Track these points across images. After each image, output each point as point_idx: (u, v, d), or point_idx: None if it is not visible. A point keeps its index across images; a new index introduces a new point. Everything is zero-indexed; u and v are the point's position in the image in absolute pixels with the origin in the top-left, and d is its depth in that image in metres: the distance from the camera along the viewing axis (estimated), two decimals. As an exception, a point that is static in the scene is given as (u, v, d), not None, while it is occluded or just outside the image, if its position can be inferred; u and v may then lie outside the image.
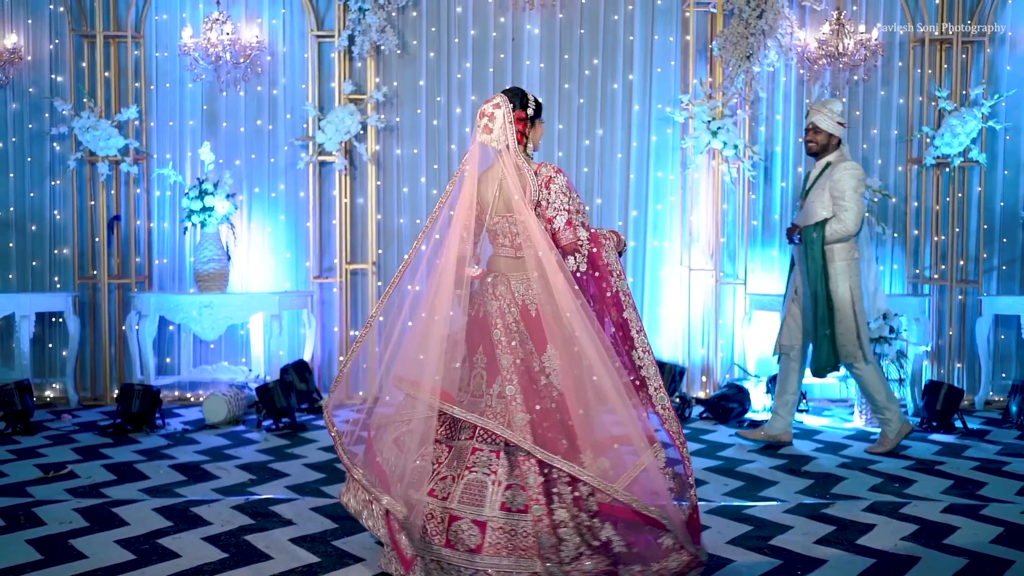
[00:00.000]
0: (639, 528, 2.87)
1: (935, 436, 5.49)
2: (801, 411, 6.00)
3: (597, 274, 3.13)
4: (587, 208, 6.64)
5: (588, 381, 2.94)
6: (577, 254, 3.13)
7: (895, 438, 5.00)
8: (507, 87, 6.65)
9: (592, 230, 3.19)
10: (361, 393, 6.68)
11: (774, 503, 3.98)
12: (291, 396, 5.83)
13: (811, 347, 5.01)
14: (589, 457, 2.90)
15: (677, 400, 6.24)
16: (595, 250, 3.13)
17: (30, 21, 6.78)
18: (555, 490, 2.86)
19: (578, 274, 3.11)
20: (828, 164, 5.03)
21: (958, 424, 5.60)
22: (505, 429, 2.95)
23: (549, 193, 3.16)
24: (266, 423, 5.73)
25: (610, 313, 3.12)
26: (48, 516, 3.74)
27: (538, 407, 2.97)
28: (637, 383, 3.05)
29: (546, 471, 2.89)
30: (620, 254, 3.23)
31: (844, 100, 6.52)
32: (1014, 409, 5.79)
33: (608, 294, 3.13)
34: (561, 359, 3.01)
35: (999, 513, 3.81)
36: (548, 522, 2.81)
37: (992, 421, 5.97)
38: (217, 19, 6.49)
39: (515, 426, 2.92)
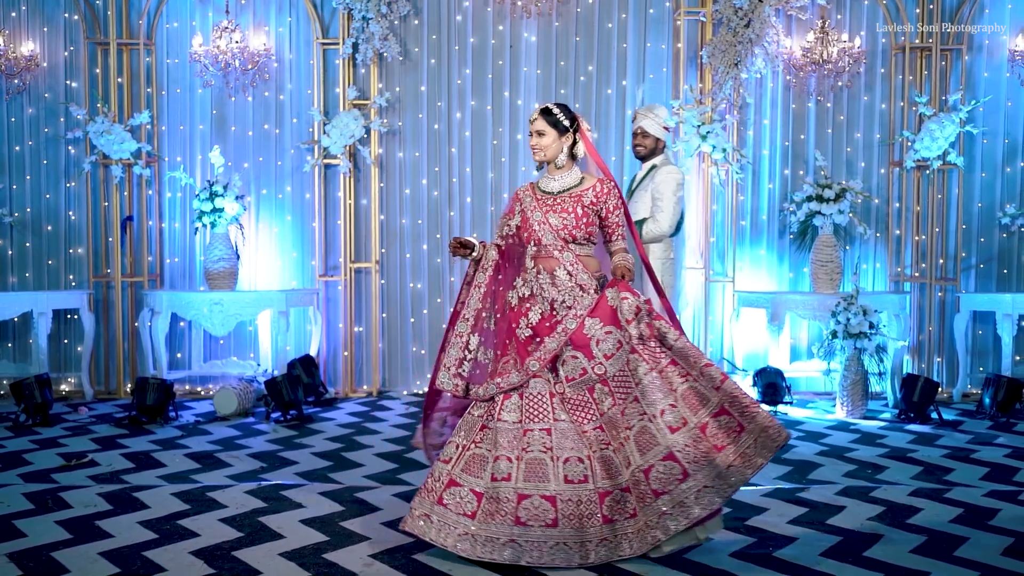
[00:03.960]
0: None
1: (911, 426, 5.72)
2: (786, 403, 6.26)
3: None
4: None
5: None
6: None
7: None
8: (506, 92, 6.92)
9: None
10: (366, 387, 6.93)
11: (753, 487, 4.23)
12: (298, 389, 6.05)
13: None
14: None
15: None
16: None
17: (46, 29, 6.98)
18: None
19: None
20: (653, 167, 5.24)
21: (933, 415, 5.85)
22: None
23: None
24: (274, 415, 5.93)
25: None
26: (74, 500, 3.98)
27: None
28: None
29: None
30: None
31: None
32: (987, 401, 6.04)
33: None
34: None
35: (962, 496, 4.07)
36: None
37: (967, 412, 6.21)
38: (226, 27, 6.70)
39: None
